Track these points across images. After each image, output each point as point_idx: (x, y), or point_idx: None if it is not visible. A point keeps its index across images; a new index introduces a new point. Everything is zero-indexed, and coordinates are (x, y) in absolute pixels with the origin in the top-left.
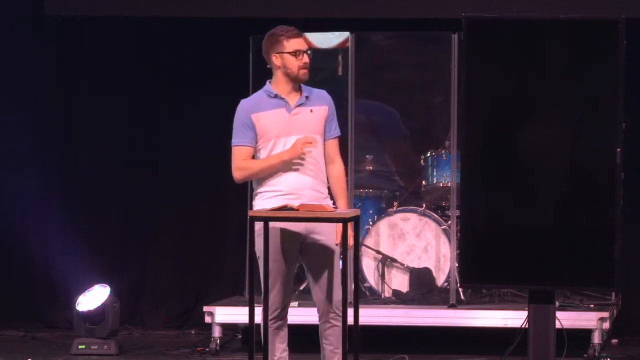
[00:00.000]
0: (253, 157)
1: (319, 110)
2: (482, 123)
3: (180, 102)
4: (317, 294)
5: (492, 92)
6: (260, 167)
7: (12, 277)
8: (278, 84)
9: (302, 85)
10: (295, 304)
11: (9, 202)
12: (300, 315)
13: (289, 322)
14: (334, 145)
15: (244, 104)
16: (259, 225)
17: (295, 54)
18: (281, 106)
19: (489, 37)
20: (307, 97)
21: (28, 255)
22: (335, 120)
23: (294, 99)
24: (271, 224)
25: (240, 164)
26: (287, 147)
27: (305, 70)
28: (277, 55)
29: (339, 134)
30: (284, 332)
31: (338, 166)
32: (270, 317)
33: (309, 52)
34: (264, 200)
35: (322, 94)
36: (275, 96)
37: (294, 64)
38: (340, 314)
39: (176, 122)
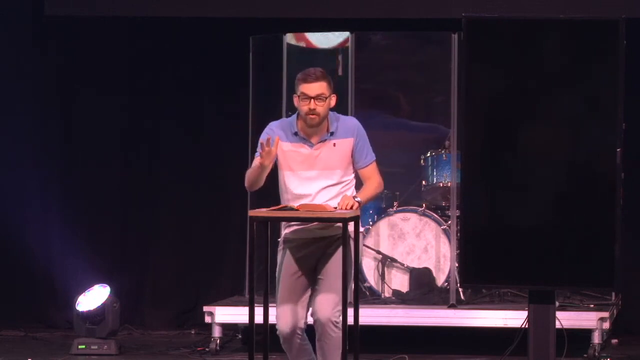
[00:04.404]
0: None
1: (342, 143)
2: (482, 123)
3: (180, 101)
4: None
5: (492, 92)
6: (247, 173)
7: (12, 277)
8: (300, 121)
9: (330, 116)
10: None
11: (9, 202)
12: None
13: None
14: (367, 171)
15: (272, 127)
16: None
17: (302, 98)
18: (303, 142)
19: (489, 37)
20: (331, 134)
21: (28, 255)
22: (367, 147)
23: (317, 135)
24: (288, 245)
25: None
26: (305, 179)
27: (313, 116)
28: (295, 95)
29: (372, 159)
30: (309, 347)
31: (372, 180)
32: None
33: (319, 99)
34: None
35: (349, 125)
36: (296, 134)
37: (302, 107)
38: (339, 326)
39: (176, 122)
